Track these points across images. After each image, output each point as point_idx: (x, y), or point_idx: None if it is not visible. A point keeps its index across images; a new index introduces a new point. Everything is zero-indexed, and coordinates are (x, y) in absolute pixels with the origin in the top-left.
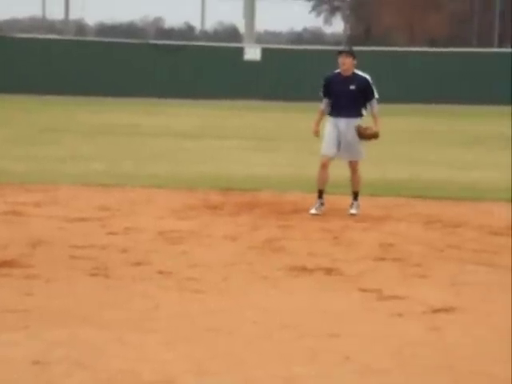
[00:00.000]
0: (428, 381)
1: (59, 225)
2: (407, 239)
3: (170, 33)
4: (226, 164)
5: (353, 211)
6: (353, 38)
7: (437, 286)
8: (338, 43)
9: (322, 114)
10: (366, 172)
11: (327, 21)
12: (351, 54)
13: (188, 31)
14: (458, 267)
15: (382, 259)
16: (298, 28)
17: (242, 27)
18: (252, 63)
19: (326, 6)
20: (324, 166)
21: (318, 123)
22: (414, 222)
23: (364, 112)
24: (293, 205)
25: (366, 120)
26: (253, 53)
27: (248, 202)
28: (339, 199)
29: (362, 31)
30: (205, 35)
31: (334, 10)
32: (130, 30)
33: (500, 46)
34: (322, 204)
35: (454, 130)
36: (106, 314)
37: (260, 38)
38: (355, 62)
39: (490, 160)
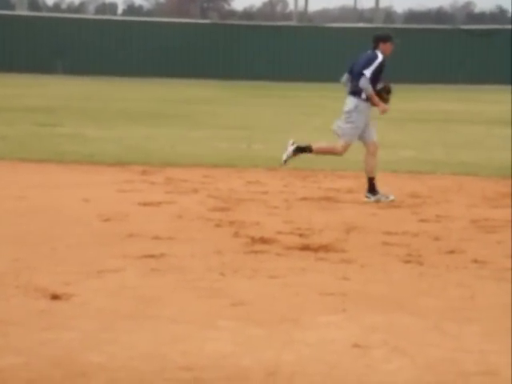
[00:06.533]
0: None
1: (371, 211)
2: None
3: (480, 17)
4: None
5: None
6: None
7: None
8: None
9: None
10: None
11: None
12: None
13: (500, 15)
14: None
15: None
16: None
17: None
18: None
19: None
20: None
21: None
22: None
23: None
24: None
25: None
26: None
27: None
28: None
29: None
30: None
31: None
32: (438, 15)
33: None
34: None
35: None
36: (422, 301)
37: None
38: None
39: None
